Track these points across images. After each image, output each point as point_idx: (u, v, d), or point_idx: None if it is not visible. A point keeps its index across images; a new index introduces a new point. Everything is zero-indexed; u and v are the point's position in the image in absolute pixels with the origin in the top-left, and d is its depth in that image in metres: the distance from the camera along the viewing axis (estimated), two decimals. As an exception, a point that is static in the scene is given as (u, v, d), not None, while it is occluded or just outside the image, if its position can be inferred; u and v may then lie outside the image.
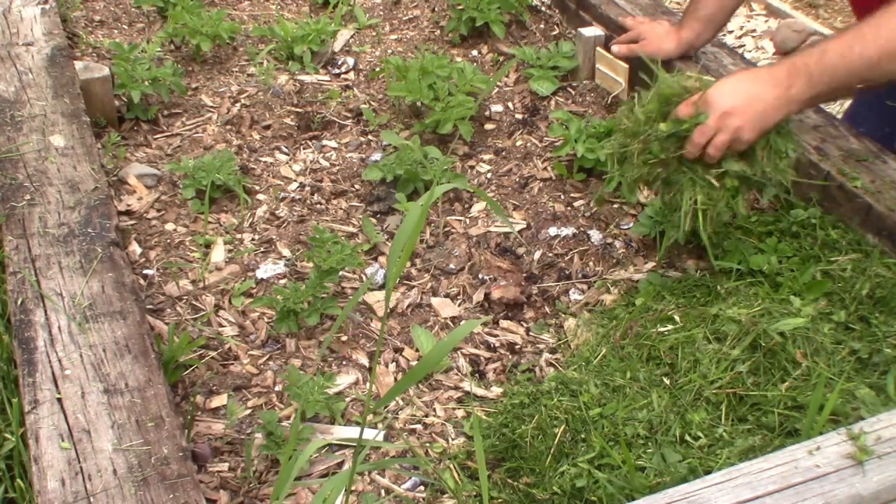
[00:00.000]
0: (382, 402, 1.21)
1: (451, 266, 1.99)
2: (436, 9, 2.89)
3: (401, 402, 1.69)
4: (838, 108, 3.46)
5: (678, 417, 1.51)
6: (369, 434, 1.61)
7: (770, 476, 1.22)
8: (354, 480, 1.55)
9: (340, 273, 1.90)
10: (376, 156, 2.30)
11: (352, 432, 1.61)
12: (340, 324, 1.79)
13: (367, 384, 1.73)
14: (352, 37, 2.82)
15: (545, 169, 2.25)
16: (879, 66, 1.63)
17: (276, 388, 1.71)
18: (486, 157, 2.33)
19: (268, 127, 2.42)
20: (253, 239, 2.06)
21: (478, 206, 2.16)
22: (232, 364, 1.76)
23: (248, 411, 1.66)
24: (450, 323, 1.86)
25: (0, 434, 1.56)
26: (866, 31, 1.62)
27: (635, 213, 2.10)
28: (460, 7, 2.67)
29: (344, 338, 1.82)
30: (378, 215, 2.13)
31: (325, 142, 2.38)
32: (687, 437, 1.48)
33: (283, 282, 1.93)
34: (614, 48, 2.36)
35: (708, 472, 1.31)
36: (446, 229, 2.10)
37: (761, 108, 1.67)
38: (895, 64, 1.62)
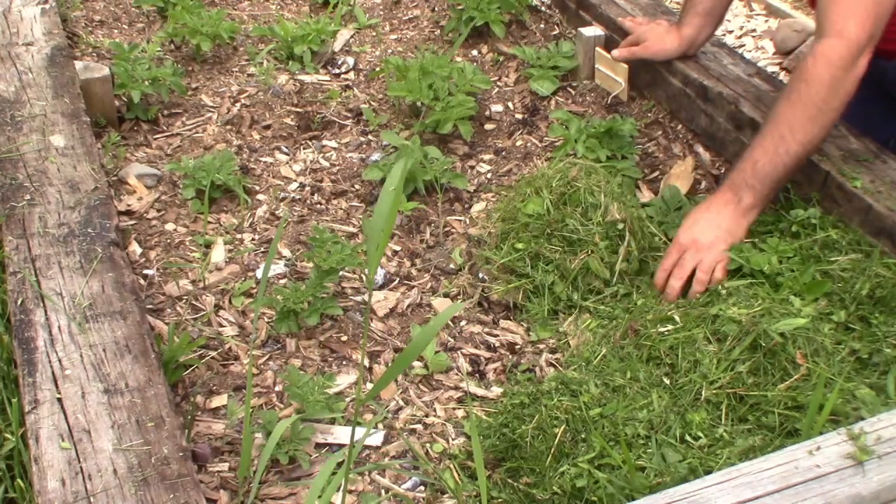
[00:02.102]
0: (372, 393, 1.21)
1: (451, 266, 2.00)
2: (436, 9, 2.89)
3: (401, 402, 1.69)
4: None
5: (678, 417, 1.51)
6: (369, 434, 1.61)
7: (770, 476, 1.22)
8: (354, 480, 1.55)
9: (340, 273, 1.90)
10: (376, 156, 2.30)
11: (351, 431, 1.61)
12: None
13: (367, 384, 1.73)
14: (352, 37, 2.82)
15: (545, 169, 2.25)
16: (806, 154, 1.80)
17: (277, 388, 1.71)
18: (486, 157, 2.33)
19: (268, 127, 2.42)
20: (253, 239, 2.06)
21: (478, 206, 2.16)
22: (232, 364, 1.75)
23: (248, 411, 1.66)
24: (450, 323, 1.86)
25: (0, 434, 1.56)
26: (784, 132, 1.77)
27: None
28: (460, 7, 2.67)
29: (344, 338, 1.82)
30: (378, 215, 2.13)
31: (325, 142, 2.38)
32: (687, 437, 1.48)
33: (283, 282, 1.93)
34: (615, 53, 2.36)
35: (708, 472, 1.31)
36: (446, 229, 2.10)
37: (724, 228, 1.81)
38: (815, 149, 1.82)
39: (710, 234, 1.79)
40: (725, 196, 1.82)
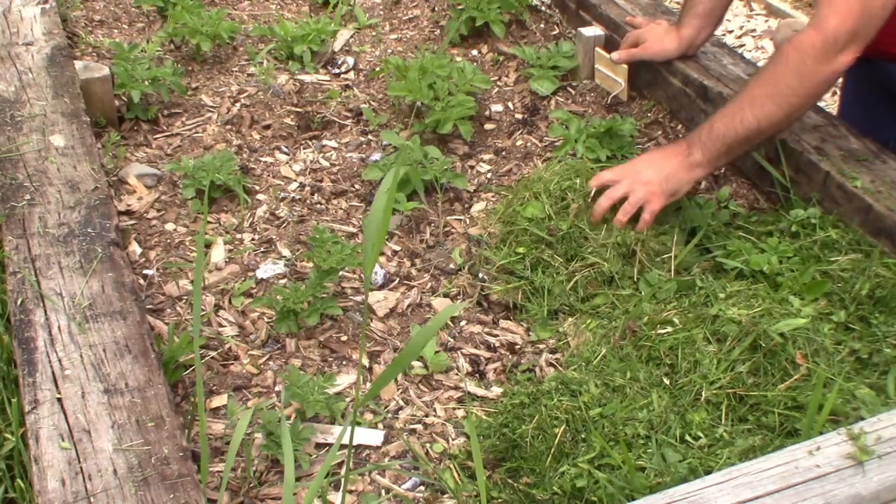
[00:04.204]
0: (371, 393, 1.21)
1: (451, 266, 2.00)
2: (436, 8, 2.89)
3: (401, 402, 1.70)
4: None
5: (678, 417, 1.51)
6: (369, 433, 1.61)
7: (770, 476, 1.22)
8: (354, 480, 1.55)
9: (340, 273, 1.90)
10: (376, 156, 2.30)
11: (349, 431, 1.61)
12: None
13: (367, 384, 1.73)
14: (352, 36, 2.82)
15: (546, 169, 2.25)
16: (760, 131, 1.82)
17: (277, 388, 1.71)
18: (486, 156, 2.33)
19: (268, 127, 2.42)
20: (253, 239, 2.06)
21: (478, 206, 2.16)
22: (232, 364, 1.75)
23: (249, 411, 1.66)
24: (450, 323, 1.86)
25: (0, 434, 1.56)
26: (745, 104, 1.83)
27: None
28: (460, 7, 2.67)
29: (344, 338, 1.82)
30: (378, 215, 2.13)
31: (325, 142, 2.38)
32: (687, 437, 1.48)
33: (283, 282, 1.93)
34: (614, 56, 2.36)
35: (708, 472, 1.31)
36: (446, 229, 2.10)
37: (666, 172, 1.88)
38: (774, 128, 1.83)
39: (650, 173, 1.88)
40: (679, 147, 1.91)
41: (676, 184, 1.88)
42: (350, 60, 2.68)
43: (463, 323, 1.87)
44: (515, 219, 1.94)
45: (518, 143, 2.36)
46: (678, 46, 2.28)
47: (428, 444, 1.61)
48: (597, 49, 2.48)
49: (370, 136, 2.39)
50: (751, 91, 1.85)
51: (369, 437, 1.61)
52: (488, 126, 2.43)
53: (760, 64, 2.25)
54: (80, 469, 1.34)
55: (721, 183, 2.14)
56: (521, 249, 1.89)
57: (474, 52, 2.70)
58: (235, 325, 1.84)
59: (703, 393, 1.54)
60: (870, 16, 1.73)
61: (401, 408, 1.69)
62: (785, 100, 1.79)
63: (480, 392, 1.71)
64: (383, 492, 1.54)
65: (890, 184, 1.85)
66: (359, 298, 1.91)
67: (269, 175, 2.26)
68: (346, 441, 1.58)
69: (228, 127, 2.41)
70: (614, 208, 1.88)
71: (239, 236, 2.07)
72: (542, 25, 2.72)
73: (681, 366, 1.59)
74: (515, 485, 1.50)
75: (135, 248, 2.00)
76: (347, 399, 1.68)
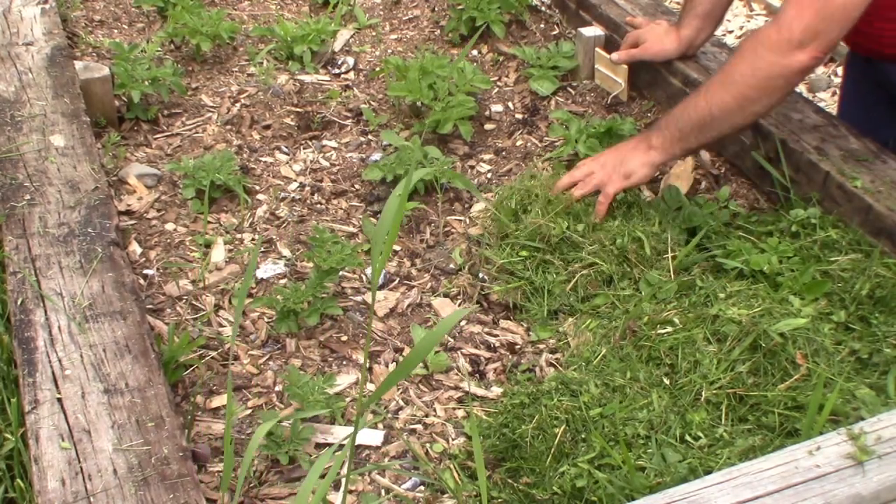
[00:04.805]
0: (375, 396, 1.21)
1: (451, 266, 2.00)
2: (436, 9, 2.89)
3: (401, 402, 1.69)
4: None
5: (678, 417, 1.51)
6: (369, 433, 1.61)
7: (770, 476, 1.22)
8: (354, 480, 1.55)
9: (340, 273, 1.90)
10: (376, 156, 2.30)
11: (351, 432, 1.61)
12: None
13: (368, 384, 1.73)
14: (352, 37, 2.82)
15: (545, 169, 2.25)
16: (713, 118, 1.83)
17: (277, 388, 1.71)
18: (486, 156, 2.33)
19: (268, 127, 2.42)
20: (253, 239, 2.06)
21: (478, 206, 2.16)
22: (232, 364, 1.75)
23: (248, 411, 1.66)
24: (450, 323, 1.86)
25: (0, 434, 1.56)
26: (702, 91, 1.86)
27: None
28: (460, 7, 2.67)
29: (344, 338, 1.82)
30: (378, 215, 2.13)
31: (325, 142, 2.38)
32: (687, 437, 1.48)
33: (283, 282, 1.93)
34: (614, 57, 2.36)
35: (708, 472, 1.31)
36: (446, 229, 2.10)
37: (622, 155, 1.94)
38: (726, 116, 1.82)
39: (608, 158, 1.97)
40: (641, 135, 1.99)
41: (631, 165, 1.92)
42: (350, 60, 2.68)
43: (463, 323, 1.87)
44: (514, 221, 1.94)
45: (518, 143, 2.36)
46: (678, 47, 2.28)
47: (428, 444, 1.61)
48: (597, 49, 2.48)
49: (370, 137, 2.39)
50: (710, 80, 1.90)
51: (369, 437, 1.61)
52: (488, 126, 2.43)
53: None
54: (80, 469, 1.34)
55: (721, 183, 2.14)
56: (523, 253, 1.90)
57: (474, 52, 2.70)
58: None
59: (703, 393, 1.54)
60: (829, 14, 1.70)
61: (401, 408, 1.69)
62: (736, 88, 1.79)
63: (480, 392, 1.71)
64: (383, 492, 1.54)
65: (890, 184, 1.85)
66: (359, 298, 1.91)
67: (269, 175, 2.26)
68: (355, 442, 1.58)
69: (228, 127, 2.41)
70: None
71: (239, 236, 2.07)
72: (542, 25, 2.72)
73: (681, 366, 1.59)
74: (515, 485, 1.50)
75: (135, 248, 2.00)
76: (347, 399, 1.68)
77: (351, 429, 1.62)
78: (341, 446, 1.60)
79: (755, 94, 1.78)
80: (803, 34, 1.71)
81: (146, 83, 2.36)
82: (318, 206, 2.17)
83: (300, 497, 1.16)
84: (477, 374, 1.76)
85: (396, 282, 1.96)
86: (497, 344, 1.82)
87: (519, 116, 2.45)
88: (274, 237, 2.06)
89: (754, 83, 1.77)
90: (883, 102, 2.14)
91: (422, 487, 1.54)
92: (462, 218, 2.13)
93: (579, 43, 2.51)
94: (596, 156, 2.02)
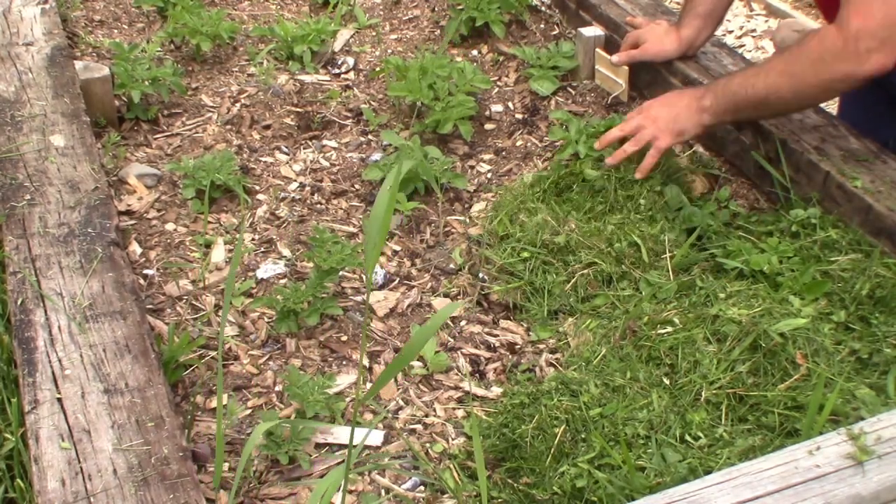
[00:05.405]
0: (370, 393, 1.22)
1: (451, 266, 2.00)
2: (436, 9, 2.89)
3: (401, 402, 1.70)
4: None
5: (678, 417, 1.51)
6: (369, 434, 1.61)
7: (770, 476, 1.22)
8: (354, 480, 1.55)
9: (340, 273, 1.90)
10: (376, 156, 2.30)
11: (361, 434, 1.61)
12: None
13: (367, 384, 1.73)
14: (352, 37, 2.82)
15: (545, 169, 2.25)
16: (767, 101, 1.87)
17: (277, 388, 1.71)
18: (486, 156, 2.33)
19: (268, 127, 2.42)
20: (253, 239, 2.06)
21: (478, 206, 2.16)
22: (232, 364, 1.76)
23: (248, 411, 1.66)
24: (450, 323, 1.86)
25: (0, 434, 1.56)
26: (762, 72, 1.89)
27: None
28: (460, 7, 2.67)
29: (344, 338, 1.82)
30: (378, 215, 2.13)
31: (325, 142, 2.38)
32: (687, 437, 1.48)
33: (283, 282, 1.93)
34: (614, 58, 2.36)
35: (708, 472, 1.31)
36: (446, 229, 2.10)
37: (675, 112, 1.97)
38: (780, 104, 1.88)
39: (661, 111, 1.99)
40: (695, 91, 2.01)
41: (684, 123, 1.96)
42: (350, 60, 2.68)
43: (463, 323, 1.87)
44: (514, 222, 1.94)
45: (518, 143, 2.36)
46: (678, 47, 2.28)
47: (428, 444, 1.61)
48: (597, 50, 2.47)
49: (370, 136, 2.39)
50: (773, 63, 1.90)
51: (369, 436, 1.61)
52: (488, 126, 2.43)
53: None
54: (79, 469, 1.34)
55: (721, 183, 2.14)
56: (525, 254, 1.90)
57: (474, 52, 2.70)
58: (235, 324, 1.84)
59: (703, 393, 1.54)
60: (894, 21, 1.69)
61: (401, 408, 1.69)
62: (796, 82, 1.82)
63: (480, 392, 1.72)
64: (383, 492, 1.54)
65: (890, 184, 1.85)
66: (359, 298, 1.91)
67: (269, 175, 2.26)
68: (354, 441, 1.58)
69: (228, 127, 2.41)
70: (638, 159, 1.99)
71: (239, 236, 2.06)
72: (542, 25, 2.72)
73: (681, 366, 1.59)
74: (515, 485, 1.50)
75: (135, 248, 2.00)
76: (347, 399, 1.68)
77: (350, 429, 1.63)
78: (342, 446, 1.60)
79: (814, 92, 1.83)
80: (872, 42, 1.70)
81: (146, 83, 2.36)
82: (318, 206, 2.17)
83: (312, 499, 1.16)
84: (477, 374, 1.76)
85: (396, 282, 1.96)
86: (497, 344, 1.82)
87: (519, 116, 2.45)
88: (274, 237, 2.06)
89: (815, 83, 1.80)
90: (882, 102, 2.14)
91: (422, 487, 1.54)
92: (462, 218, 2.13)
93: (579, 43, 2.51)
94: (643, 108, 2.03)
